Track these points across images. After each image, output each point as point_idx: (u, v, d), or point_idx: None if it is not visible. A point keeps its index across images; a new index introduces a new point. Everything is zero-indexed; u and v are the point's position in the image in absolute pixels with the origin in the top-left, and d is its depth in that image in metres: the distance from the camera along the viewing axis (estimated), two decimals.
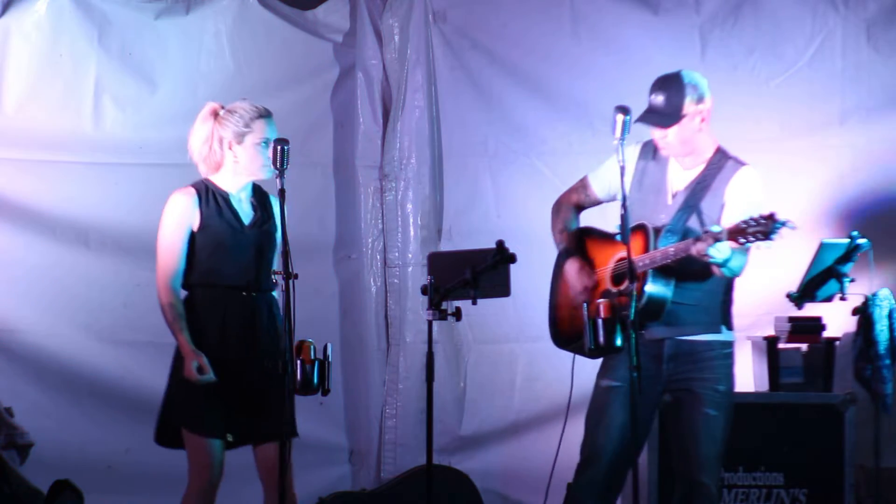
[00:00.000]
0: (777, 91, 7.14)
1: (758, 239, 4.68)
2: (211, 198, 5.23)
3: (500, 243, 5.11)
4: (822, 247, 6.56)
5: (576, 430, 5.23)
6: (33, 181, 7.06)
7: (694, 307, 5.01)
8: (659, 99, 5.10)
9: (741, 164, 5.12)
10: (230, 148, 5.23)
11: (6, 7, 7.02)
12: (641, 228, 5.03)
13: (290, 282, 4.90)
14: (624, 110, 4.89)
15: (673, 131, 5.07)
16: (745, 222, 4.70)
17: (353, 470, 7.30)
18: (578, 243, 5.28)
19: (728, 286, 5.13)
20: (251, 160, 5.19)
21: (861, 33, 7.11)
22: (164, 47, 7.16)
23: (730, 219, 4.89)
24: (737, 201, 5.00)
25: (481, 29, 7.28)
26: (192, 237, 5.21)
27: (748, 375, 6.76)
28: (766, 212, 4.68)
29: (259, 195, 5.32)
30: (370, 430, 7.26)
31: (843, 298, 6.53)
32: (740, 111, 7.06)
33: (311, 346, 4.95)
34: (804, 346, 6.62)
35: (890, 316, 6.54)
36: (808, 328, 6.59)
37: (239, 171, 5.24)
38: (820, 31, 7.13)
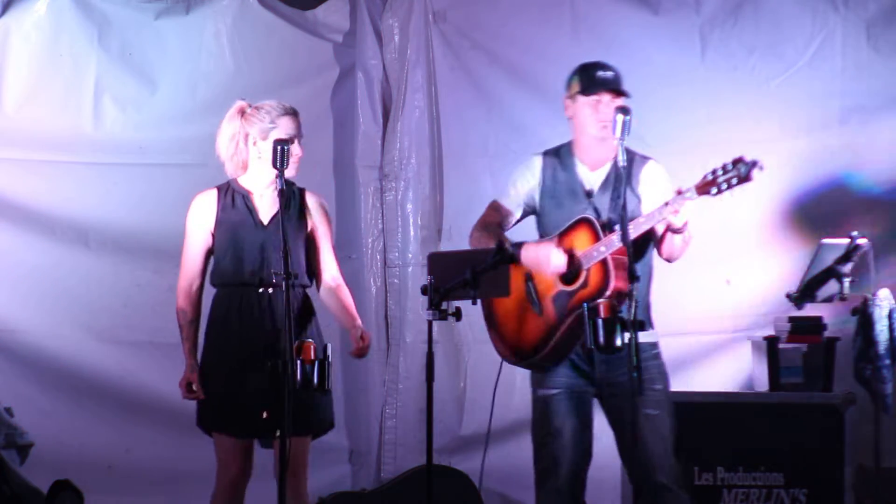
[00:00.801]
0: (777, 91, 7.12)
1: (731, 185, 4.68)
2: (229, 196, 5.24)
3: (500, 243, 5.10)
4: (822, 247, 6.54)
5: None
6: (33, 181, 7.07)
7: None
8: (610, 73, 5.11)
9: (647, 158, 5.15)
10: (255, 144, 5.22)
11: (6, 7, 7.03)
12: (585, 221, 5.00)
13: (290, 281, 4.91)
14: (624, 111, 4.86)
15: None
16: (712, 173, 4.71)
17: (353, 470, 7.30)
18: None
19: (648, 287, 5.10)
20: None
21: (861, 33, 7.09)
22: (164, 47, 7.17)
23: (648, 210, 4.94)
24: (650, 193, 5.03)
25: (481, 29, 7.28)
26: (214, 238, 5.24)
27: (748, 375, 6.76)
28: (733, 157, 4.68)
29: (288, 193, 5.26)
30: (370, 430, 7.26)
31: (842, 298, 6.51)
32: (740, 111, 7.05)
33: (312, 346, 4.95)
34: (804, 346, 6.60)
35: (890, 316, 6.52)
36: (808, 328, 6.58)
37: (263, 168, 5.20)
38: (820, 31, 7.12)
